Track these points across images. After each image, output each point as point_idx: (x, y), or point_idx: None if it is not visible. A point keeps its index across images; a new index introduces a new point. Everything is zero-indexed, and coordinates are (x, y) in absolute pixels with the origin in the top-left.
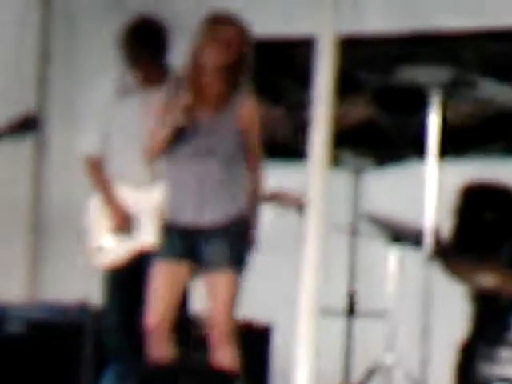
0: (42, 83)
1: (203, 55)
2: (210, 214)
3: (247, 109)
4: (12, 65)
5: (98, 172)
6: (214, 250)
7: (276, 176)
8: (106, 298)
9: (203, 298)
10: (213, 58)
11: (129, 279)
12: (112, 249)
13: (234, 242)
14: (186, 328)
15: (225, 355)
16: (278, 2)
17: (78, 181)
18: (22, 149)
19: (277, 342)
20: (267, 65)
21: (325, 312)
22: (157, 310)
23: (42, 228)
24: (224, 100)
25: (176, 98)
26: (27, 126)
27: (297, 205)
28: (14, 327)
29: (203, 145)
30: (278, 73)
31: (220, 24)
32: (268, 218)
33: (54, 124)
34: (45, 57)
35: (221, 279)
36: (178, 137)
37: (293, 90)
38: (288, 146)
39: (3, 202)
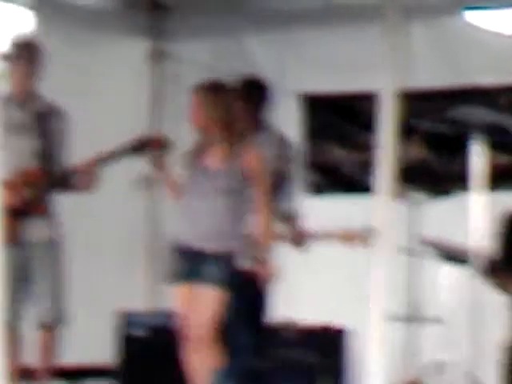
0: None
1: None
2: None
3: (250, 161)
4: (127, 118)
5: None
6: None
7: (344, 206)
8: None
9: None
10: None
11: None
12: None
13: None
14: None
15: (202, 357)
16: (346, 65)
17: None
18: (139, 193)
19: (351, 342)
20: (338, 115)
21: (391, 318)
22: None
23: (159, 254)
24: (228, 151)
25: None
26: (146, 145)
27: (361, 241)
28: (138, 331)
29: (210, 186)
30: (346, 121)
31: (198, 90)
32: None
33: None
34: (156, 114)
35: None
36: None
37: (357, 135)
38: (356, 181)
39: (129, 236)
